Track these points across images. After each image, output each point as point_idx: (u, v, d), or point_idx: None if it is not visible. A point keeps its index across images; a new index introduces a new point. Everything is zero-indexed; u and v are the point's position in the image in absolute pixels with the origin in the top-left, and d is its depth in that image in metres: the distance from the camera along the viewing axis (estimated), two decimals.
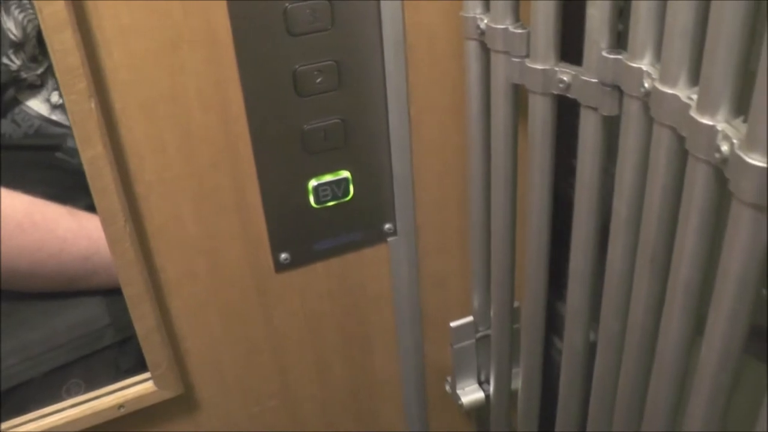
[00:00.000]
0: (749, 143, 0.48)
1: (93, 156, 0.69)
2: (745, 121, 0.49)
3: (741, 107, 0.51)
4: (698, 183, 0.55)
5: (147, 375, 0.84)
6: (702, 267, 0.59)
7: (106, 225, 0.73)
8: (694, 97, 0.54)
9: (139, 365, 0.84)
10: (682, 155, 0.57)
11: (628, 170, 0.64)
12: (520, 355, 0.92)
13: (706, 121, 0.52)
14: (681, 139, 0.56)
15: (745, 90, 0.50)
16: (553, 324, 0.91)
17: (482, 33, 0.74)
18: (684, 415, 0.64)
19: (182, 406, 0.89)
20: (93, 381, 0.91)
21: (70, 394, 0.92)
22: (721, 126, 0.51)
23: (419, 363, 1.01)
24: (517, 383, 0.96)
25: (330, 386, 0.97)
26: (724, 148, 0.51)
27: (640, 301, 0.67)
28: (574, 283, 0.77)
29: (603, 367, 0.78)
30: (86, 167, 0.69)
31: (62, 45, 0.63)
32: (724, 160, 0.51)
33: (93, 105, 0.66)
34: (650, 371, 0.69)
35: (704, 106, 0.52)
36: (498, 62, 0.73)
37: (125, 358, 0.96)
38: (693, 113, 0.53)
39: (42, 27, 0.62)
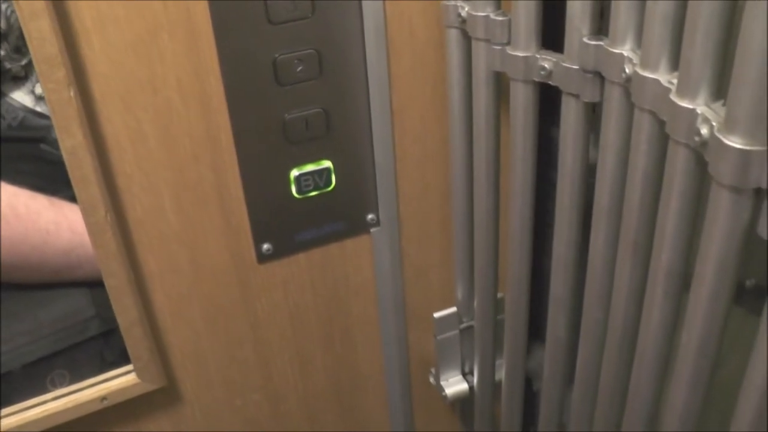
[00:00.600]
0: (728, 126, 0.48)
1: (73, 146, 0.68)
2: (724, 104, 0.50)
3: (720, 91, 0.51)
4: (679, 166, 0.55)
5: (130, 367, 0.84)
6: (683, 251, 0.59)
7: (86, 215, 0.72)
8: (675, 81, 0.54)
9: (124, 357, 0.84)
10: (662, 139, 0.57)
11: (610, 156, 0.65)
12: (504, 346, 0.92)
13: (686, 104, 0.52)
14: (662, 124, 0.56)
15: (724, 73, 0.50)
16: (536, 314, 0.91)
17: (463, 21, 0.74)
18: (665, 401, 0.64)
19: (165, 399, 0.89)
20: (78, 372, 0.90)
21: (54, 385, 0.91)
22: (700, 109, 0.52)
23: (403, 354, 1.00)
24: (501, 374, 0.96)
25: (313, 378, 0.97)
26: (704, 131, 0.51)
27: (622, 287, 0.67)
28: (557, 272, 0.77)
29: (586, 356, 0.78)
30: (66, 157, 0.69)
31: (39, 33, 0.62)
32: (704, 143, 0.51)
33: (72, 94, 0.66)
34: (632, 359, 0.69)
35: (684, 90, 0.53)
36: (479, 50, 0.73)
37: (110, 349, 0.96)
38: (673, 97, 0.53)
39: (18, 15, 0.62)
